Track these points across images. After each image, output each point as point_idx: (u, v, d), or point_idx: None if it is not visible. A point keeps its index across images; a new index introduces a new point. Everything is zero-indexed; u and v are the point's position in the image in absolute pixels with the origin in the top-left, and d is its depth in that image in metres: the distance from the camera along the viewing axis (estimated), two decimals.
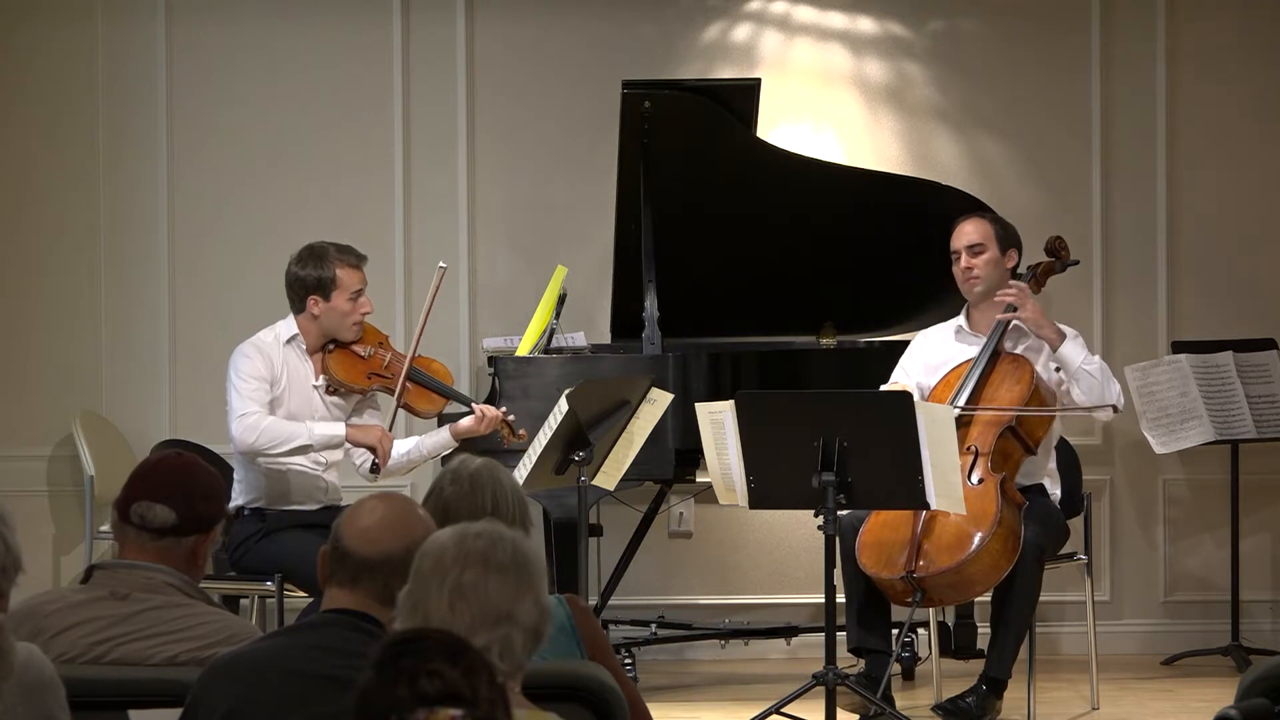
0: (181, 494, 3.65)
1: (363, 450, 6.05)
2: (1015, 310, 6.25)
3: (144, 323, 7.69)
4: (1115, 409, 6.24)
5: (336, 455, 6.13)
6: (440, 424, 6.41)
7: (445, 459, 6.63)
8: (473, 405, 6.16)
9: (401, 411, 6.21)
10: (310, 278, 6.05)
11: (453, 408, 6.36)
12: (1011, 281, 6.32)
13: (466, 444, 6.21)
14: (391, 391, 6.07)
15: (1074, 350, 6.22)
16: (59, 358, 7.67)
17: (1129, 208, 7.84)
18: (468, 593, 2.74)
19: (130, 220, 7.70)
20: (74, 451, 7.41)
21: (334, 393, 6.11)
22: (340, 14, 7.74)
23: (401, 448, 6.16)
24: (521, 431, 6.10)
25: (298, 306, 6.10)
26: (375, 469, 6.04)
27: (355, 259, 6.09)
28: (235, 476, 6.12)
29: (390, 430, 6.10)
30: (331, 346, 6.11)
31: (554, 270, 6.95)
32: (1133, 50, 7.82)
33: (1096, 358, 6.29)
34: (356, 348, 6.11)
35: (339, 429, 6.00)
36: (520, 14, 7.76)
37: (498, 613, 2.74)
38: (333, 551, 3.23)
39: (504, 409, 6.22)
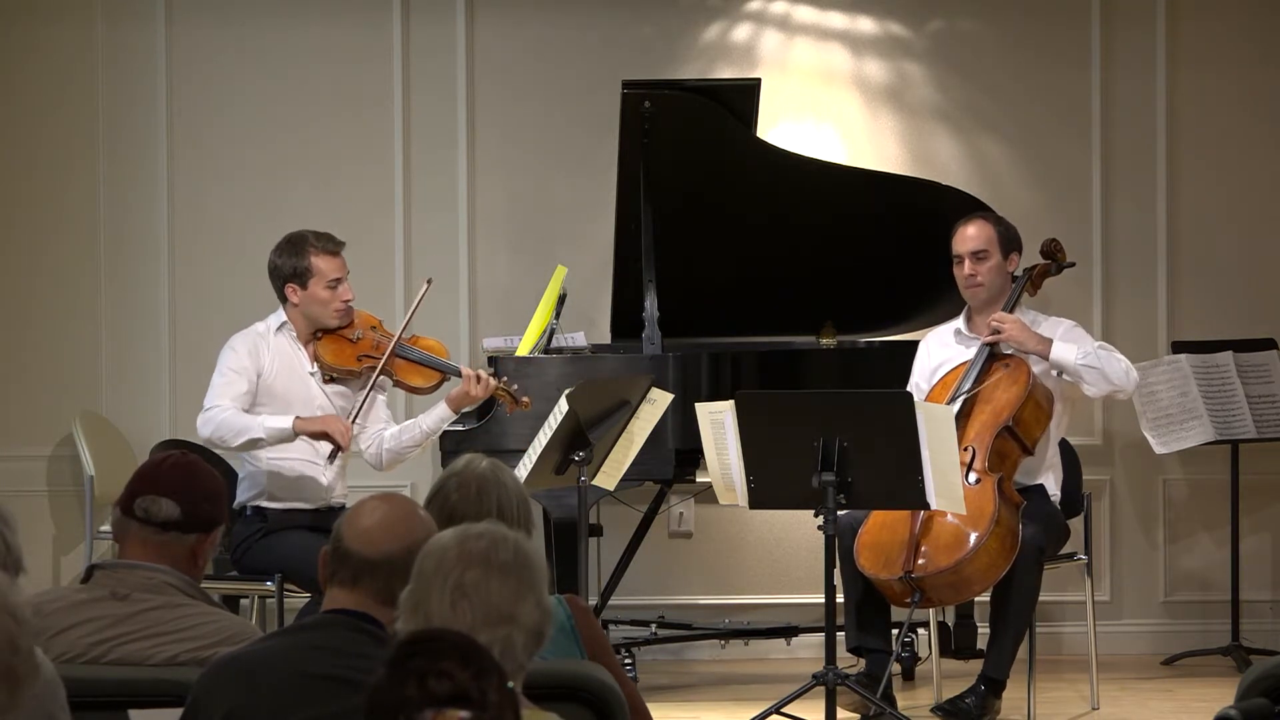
0: (185, 490, 3.66)
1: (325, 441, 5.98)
2: (999, 334, 6.22)
3: (144, 323, 7.69)
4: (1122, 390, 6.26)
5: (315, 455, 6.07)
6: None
7: (447, 459, 6.63)
8: (462, 369, 6.13)
9: (401, 392, 6.20)
10: (286, 266, 6.06)
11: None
12: (994, 317, 6.27)
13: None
14: (384, 373, 6.05)
15: (1065, 350, 6.20)
16: (59, 358, 7.67)
17: (1129, 208, 7.84)
18: (470, 593, 2.74)
19: (130, 220, 7.70)
20: (74, 451, 7.41)
21: (331, 380, 6.10)
22: (340, 14, 7.74)
23: (394, 432, 6.13)
24: (525, 399, 6.08)
25: (280, 296, 6.11)
26: (333, 455, 5.97)
27: (333, 245, 6.09)
28: (240, 474, 6.12)
29: (361, 406, 6.01)
30: (320, 334, 6.10)
31: (554, 270, 6.95)
32: (1133, 50, 7.81)
33: (1092, 346, 6.27)
34: (346, 332, 6.10)
35: (286, 421, 5.93)
36: (520, 14, 7.76)
37: (499, 613, 2.74)
38: (333, 552, 3.23)
39: (505, 377, 6.20)
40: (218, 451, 6.56)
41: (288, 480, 6.05)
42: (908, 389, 6.40)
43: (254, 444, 5.94)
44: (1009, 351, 6.29)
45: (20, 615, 2.46)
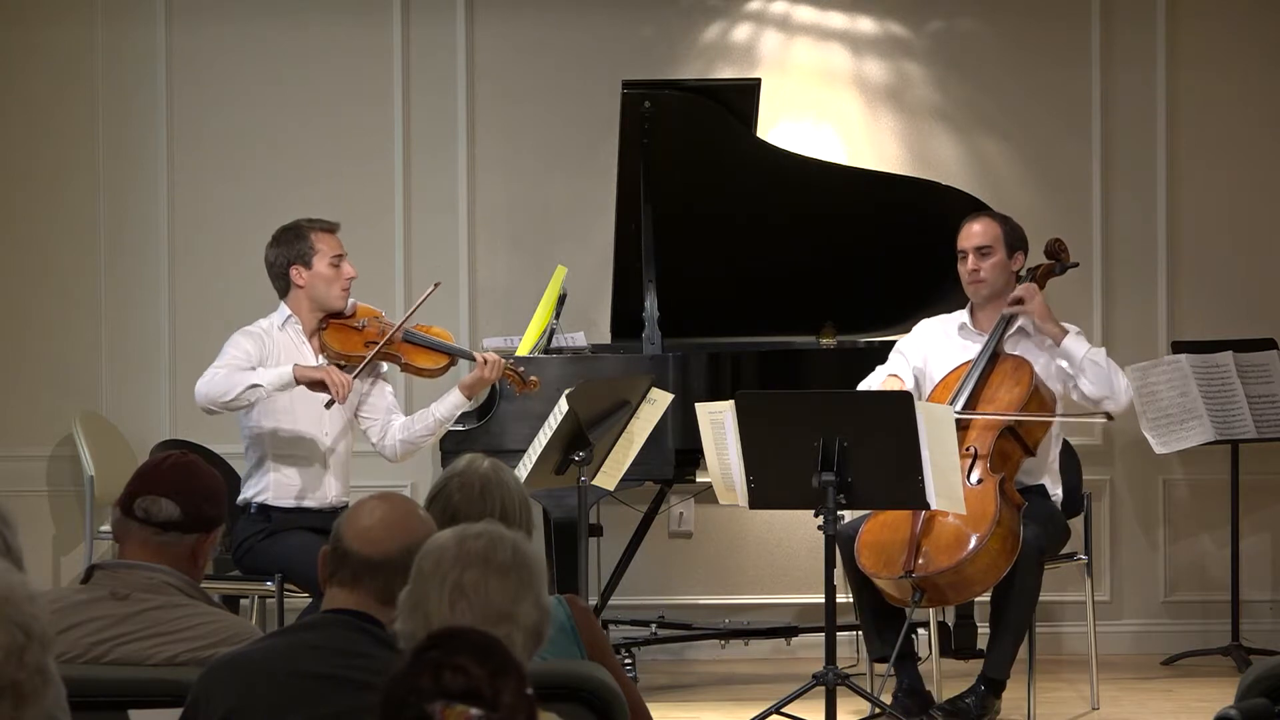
0: (186, 490, 3.66)
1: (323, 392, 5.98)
2: (1021, 303, 6.27)
3: (144, 323, 7.69)
4: (1111, 417, 6.27)
5: (329, 429, 6.08)
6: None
7: (447, 459, 6.63)
8: (474, 355, 6.14)
9: (405, 376, 6.19)
10: (289, 251, 6.07)
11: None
12: (1021, 285, 6.33)
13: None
14: (391, 358, 6.05)
15: (1077, 344, 6.25)
16: (59, 358, 7.67)
17: (1129, 208, 7.84)
18: (468, 593, 2.74)
19: (130, 220, 7.70)
20: (74, 451, 7.41)
21: (338, 369, 6.09)
22: (340, 14, 7.74)
23: (404, 422, 6.12)
24: (533, 379, 6.09)
25: (283, 285, 6.10)
26: (330, 404, 5.95)
27: (328, 224, 6.13)
28: (244, 472, 6.11)
29: (356, 374, 5.98)
30: (325, 323, 6.10)
31: (554, 270, 6.95)
32: (1133, 50, 7.82)
33: (1101, 350, 6.31)
34: (350, 321, 6.11)
35: (286, 368, 5.93)
36: (520, 14, 7.77)
37: (498, 613, 2.74)
38: (333, 552, 3.24)
39: (511, 359, 6.21)
40: (218, 451, 6.56)
41: (293, 479, 6.04)
42: (890, 363, 6.39)
43: (253, 393, 5.88)
44: (1014, 352, 6.30)
45: (32, 629, 2.40)
